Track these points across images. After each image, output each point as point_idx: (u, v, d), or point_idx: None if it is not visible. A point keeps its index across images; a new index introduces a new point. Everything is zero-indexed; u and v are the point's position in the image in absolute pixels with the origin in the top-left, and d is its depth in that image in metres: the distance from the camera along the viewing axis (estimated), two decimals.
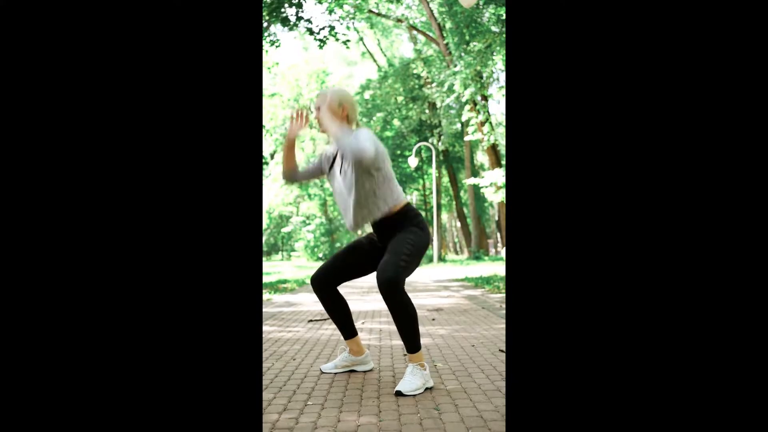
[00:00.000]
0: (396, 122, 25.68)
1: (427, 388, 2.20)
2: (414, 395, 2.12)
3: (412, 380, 2.16)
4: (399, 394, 2.12)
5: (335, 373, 2.52)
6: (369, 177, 2.25)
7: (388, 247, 2.26)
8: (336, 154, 2.42)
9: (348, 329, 2.49)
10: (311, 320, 4.47)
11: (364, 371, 2.55)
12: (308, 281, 10.08)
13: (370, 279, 10.95)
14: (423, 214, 31.25)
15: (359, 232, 2.45)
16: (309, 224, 26.97)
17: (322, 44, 12.95)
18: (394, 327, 3.98)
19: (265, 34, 13.04)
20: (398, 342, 3.33)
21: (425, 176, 28.11)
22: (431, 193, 27.74)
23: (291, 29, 13.18)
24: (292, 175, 2.51)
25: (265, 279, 11.17)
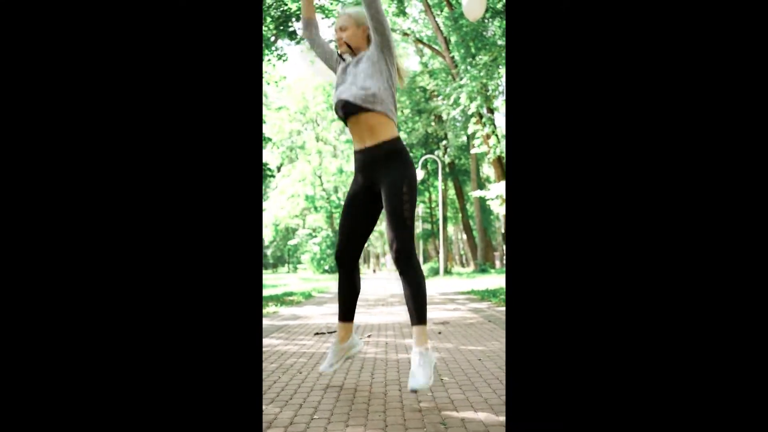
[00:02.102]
0: (402, 135, 25.81)
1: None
2: (428, 386, 2.09)
3: (423, 371, 2.10)
4: (415, 391, 2.09)
5: (335, 370, 2.62)
6: (381, 70, 2.28)
7: (383, 196, 2.26)
8: (348, 63, 2.43)
9: (348, 312, 2.54)
10: (318, 333, 4.46)
11: (357, 353, 2.66)
12: (315, 294, 10.11)
13: (376, 292, 10.93)
14: (429, 227, 31.23)
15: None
16: (315, 237, 26.98)
17: None
18: (400, 341, 3.97)
19: (272, 48, 13.16)
20: (404, 356, 3.32)
21: (431, 189, 28.13)
22: (437, 205, 27.72)
23: (298, 43, 13.32)
24: (310, 26, 2.51)
25: (272, 291, 11.17)
